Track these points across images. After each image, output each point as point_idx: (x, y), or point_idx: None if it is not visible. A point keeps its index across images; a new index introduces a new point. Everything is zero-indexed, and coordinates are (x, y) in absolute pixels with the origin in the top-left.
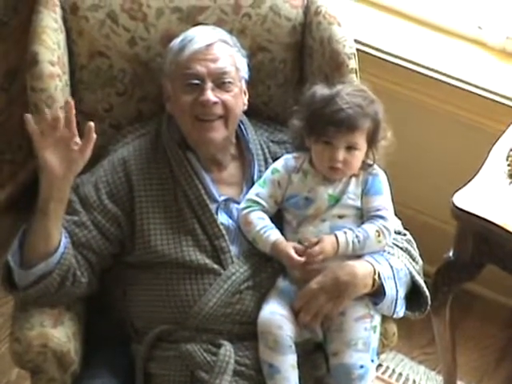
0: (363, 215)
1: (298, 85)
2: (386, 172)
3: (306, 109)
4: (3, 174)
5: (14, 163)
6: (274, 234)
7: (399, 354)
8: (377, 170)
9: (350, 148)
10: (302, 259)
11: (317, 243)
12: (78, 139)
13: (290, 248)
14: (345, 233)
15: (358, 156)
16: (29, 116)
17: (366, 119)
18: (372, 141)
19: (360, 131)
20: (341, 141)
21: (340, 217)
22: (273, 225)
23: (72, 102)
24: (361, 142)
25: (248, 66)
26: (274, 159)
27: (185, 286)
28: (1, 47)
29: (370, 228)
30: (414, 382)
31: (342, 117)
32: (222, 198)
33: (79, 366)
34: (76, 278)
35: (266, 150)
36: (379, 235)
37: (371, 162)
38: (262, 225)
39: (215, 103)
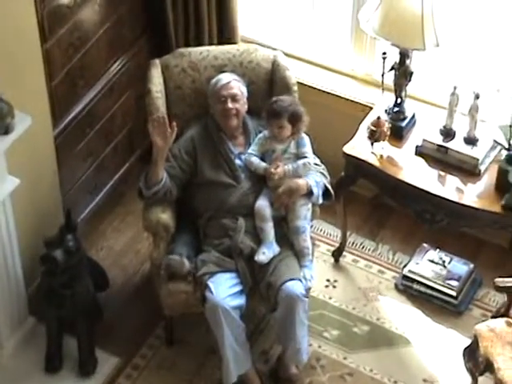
0: (298, 157)
1: (269, 97)
2: (309, 135)
3: (266, 109)
4: (138, 142)
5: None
6: (263, 163)
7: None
8: (303, 135)
9: (281, 127)
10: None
11: (276, 168)
12: (169, 130)
13: (270, 168)
14: (289, 165)
15: (286, 129)
16: (149, 120)
17: (288, 111)
18: (295, 121)
19: (284, 117)
20: (277, 122)
21: (287, 158)
22: (261, 161)
23: (166, 117)
24: (285, 123)
25: (247, 90)
26: (259, 132)
27: (219, 191)
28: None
29: (300, 162)
30: (322, 230)
31: (275, 110)
32: (236, 152)
33: (173, 231)
34: (172, 192)
35: (257, 129)
36: (305, 165)
37: (300, 132)
38: (258, 161)
39: (232, 108)
